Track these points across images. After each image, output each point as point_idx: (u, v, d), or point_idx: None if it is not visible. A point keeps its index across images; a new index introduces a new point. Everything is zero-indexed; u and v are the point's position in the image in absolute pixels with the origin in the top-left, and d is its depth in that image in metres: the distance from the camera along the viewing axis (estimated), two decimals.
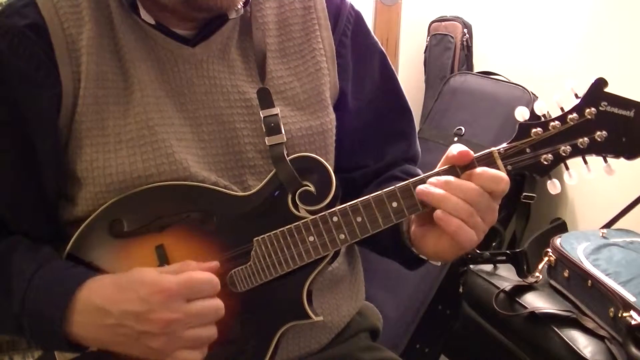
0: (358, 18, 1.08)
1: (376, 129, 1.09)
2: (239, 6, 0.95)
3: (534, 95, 2.14)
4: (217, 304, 0.84)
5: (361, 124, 1.08)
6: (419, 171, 1.08)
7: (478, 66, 2.65)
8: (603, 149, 0.81)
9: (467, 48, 2.66)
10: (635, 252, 1.54)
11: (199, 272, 0.84)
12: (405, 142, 1.12)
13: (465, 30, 2.66)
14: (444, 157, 0.85)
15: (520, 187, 2.08)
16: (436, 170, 0.85)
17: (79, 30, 0.90)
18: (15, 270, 0.88)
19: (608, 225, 1.75)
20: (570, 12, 2.19)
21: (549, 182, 0.84)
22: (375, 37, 1.12)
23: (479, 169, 0.82)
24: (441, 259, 0.91)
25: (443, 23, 2.74)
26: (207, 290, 0.83)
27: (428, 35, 2.81)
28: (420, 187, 0.83)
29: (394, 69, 1.14)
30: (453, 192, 0.81)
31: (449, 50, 2.67)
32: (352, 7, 1.08)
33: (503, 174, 0.82)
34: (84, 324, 0.84)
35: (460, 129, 2.27)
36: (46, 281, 0.87)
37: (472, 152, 0.83)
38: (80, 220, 0.92)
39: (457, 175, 0.83)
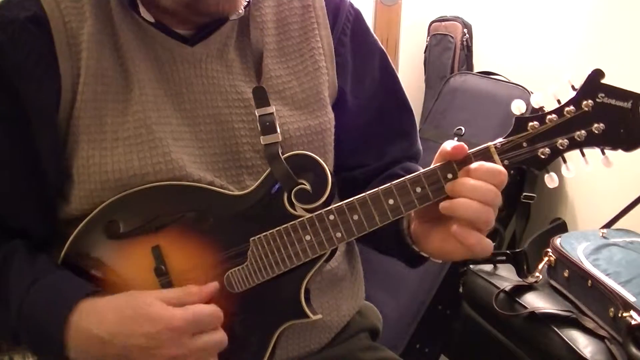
0: (357, 17, 1.08)
1: (377, 128, 1.09)
2: (240, 10, 0.94)
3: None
4: (221, 337, 0.85)
5: (362, 123, 1.07)
6: (420, 168, 1.08)
7: (478, 66, 2.65)
8: (601, 141, 0.81)
9: (467, 48, 2.66)
10: (635, 252, 1.54)
11: (203, 306, 0.85)
12: (406, 140, 1.12)
13: (465, 30, 2.66)
14: (437, 153, 0.85)
15: (521, 187, 2.08)
16: (433, 167, 0.85)
17: (79, 25, 0.90)
18: (12, 282, 0.88)
19: (608, 225, 1.74)
20: (570, 12, 2.19)
21: (546, 175, 0.83)
22: (375, 35, 1.12)
23: (475, 164, 0.81)
24: (448, 259, 0.91)
25: (443, 23, 2.75)
26: (212, 323, 0.84)
27: (428, 35, 2.81)
28: (444, 204, 0.82)
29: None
30: (468, 194, 0.81)
31: (449, 50, 2.67)
32: (351, 5, 1.08)
33: (500, 167, 0.81)
34: (82, 350, 0.84)
35: (460, 128, 2.27)
36: (41, 298, 0.86)
37: (466, 147, 0.83)
38: (74, 219, 0.92)
39: (454, 171, 0.83)
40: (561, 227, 2.04)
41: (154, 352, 0.81)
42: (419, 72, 2.84)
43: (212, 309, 0.85)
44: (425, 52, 2.82)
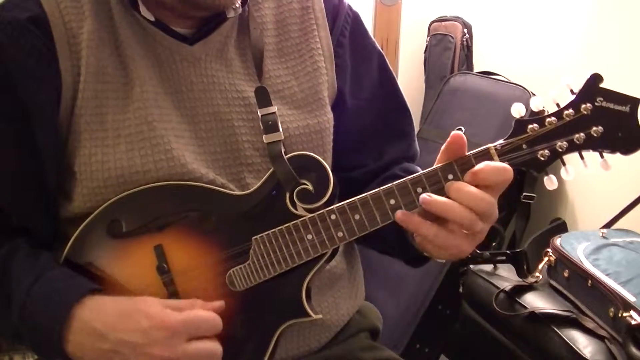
0: (356, 19, 1.09)
1: (376, 129, 1.09)
2: (237, 5, 0.95)
3: (534, 95, 2.14)
4: (215, 347, 0.85)
5: (360, 124, 1.08)
6: (419, 169, 1.08)
7: (478, 66, 2.65)
8: (599, 145, 0.81)
9: (467, 48, 2.66)
10: (635, 252, 1.54)
11: (201, 311, 0.85)
12: (404, 141, 1.12)
13: (465, 30, 2.66)
14: (440, 151, 0.85)
15: (520, 187, 2.08)
16: (434, 167, 0.85)
17: (79, 24, 0.91)
18: (14, 280, 0.89)
19: (608, 225, 1.74)
20: (569, 12, 2.19)
21: (545, 177, 0.84)
22: (373, 37, 1.13)
23: (481, 165, 0.81)
24: (451, 259, 0.92)
25: (443, 23, 2.75)
26: (208, 330, 0.84)
27: (428, 35, 2.81)
28: (424, 196, 0.83)
29: (393, 69, 1.14)
30: (456, 197, 0.81)
31: (449, 50, 2.67)
32: (350, 7, 1.09)
33: (505, 165, 0.82)
34: (79, 344, 0.85)
35: (460, 128, 2.27)
36: (44, 294, 0.87)
37: (464, 137, 0.83)
38: (76, 218, 0.92)
39: (455, 172, 0.83)
40: (561, 227, 2.04)
41: (144, 350, 0.81)
42: (419, 72, 2.84)
43: (210, 315, 0.85)
44: (425, 52, 2.82)
